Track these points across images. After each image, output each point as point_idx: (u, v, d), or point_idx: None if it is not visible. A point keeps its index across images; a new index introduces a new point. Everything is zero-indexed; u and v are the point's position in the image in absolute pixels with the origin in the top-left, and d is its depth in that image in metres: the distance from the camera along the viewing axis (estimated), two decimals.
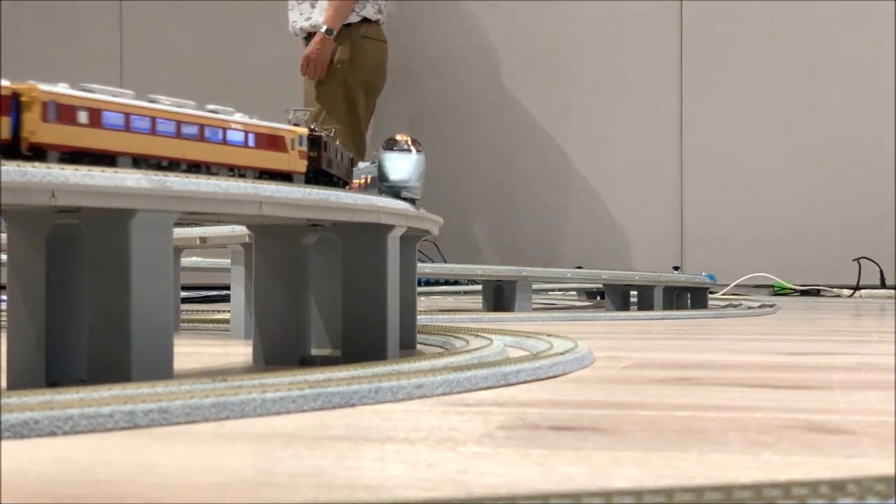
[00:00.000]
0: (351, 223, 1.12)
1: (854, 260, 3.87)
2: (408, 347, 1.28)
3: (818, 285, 3.95)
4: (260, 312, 1.15)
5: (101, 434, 0.67)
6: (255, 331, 1.16)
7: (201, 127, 1.02)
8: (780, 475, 0.55)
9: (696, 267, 3.80)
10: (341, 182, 1.21)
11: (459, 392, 0.88)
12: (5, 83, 0.83)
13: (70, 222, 0.92)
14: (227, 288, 1.67)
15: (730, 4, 4.34)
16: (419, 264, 1.58)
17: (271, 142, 1.09)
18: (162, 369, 0.90)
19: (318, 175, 1.13)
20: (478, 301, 2.73)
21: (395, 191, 1.22)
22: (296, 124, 1.12)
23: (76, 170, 0.82)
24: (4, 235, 0.97)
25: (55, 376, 0.94)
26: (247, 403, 0.74)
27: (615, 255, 4.11)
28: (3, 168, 0.78)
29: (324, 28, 3.63)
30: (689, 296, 2.62)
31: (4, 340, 0.96)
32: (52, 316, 0.94)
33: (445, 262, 3.56)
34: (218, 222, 1.45)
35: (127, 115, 0.93)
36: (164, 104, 0.99)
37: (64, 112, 0.87)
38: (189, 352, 1.31)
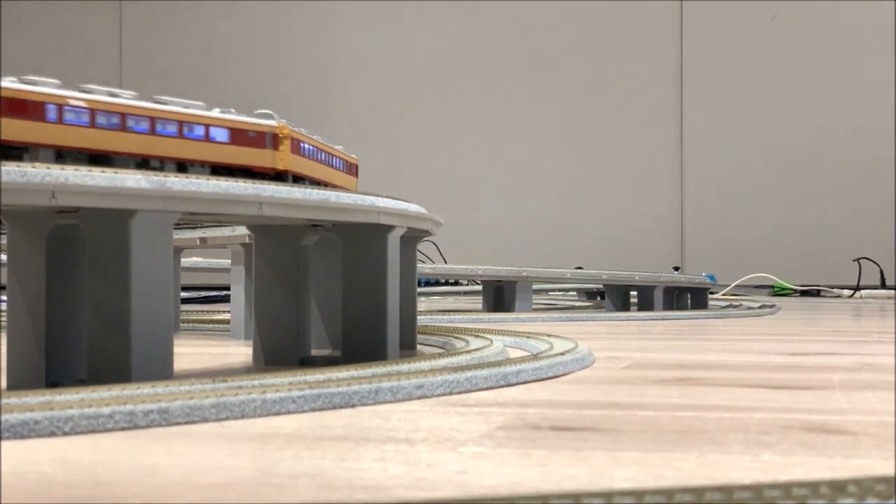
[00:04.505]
0: (351, 223, 1.12)
1: (854, 260, 3.87)
2: (408, 348, 1.28)
3: (818, 286, 3.95)
4: (260, 313, 1.15)
5: (101, 434, 0.67)
6: (255, 331, 1.16)
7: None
8: (780, 476, 0.55)
9: (697, 267, 3.81)
10: None
11: (459, 392, 0.88)
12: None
13: (70, 223, 0.92)
14: (228, 288, 1.67)
15: (730, 4, 4.34)
16: (419, 264, 1.58)
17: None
18: (162, 370, 0.90)
19: None
20: (478, 301, 2.73)
21: None
22: None
23: (76, 170, 0.82)
24: (4, 236, 0.97)
25: (55, 376, 0.94)
26: (247, 404, 0.74)
27: (615, 256, 4.11)
28: (3, 168, 0.78)
29: None
30: (689, 296, 2.62)
31: (4, 341, 0.96)
32: (52, 316, 0.94)
33: (445, 262, 3.56)
34: (218, 223, 1.45)
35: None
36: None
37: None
38: (189, 352, 1.31)
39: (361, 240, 1.14)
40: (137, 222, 0.88)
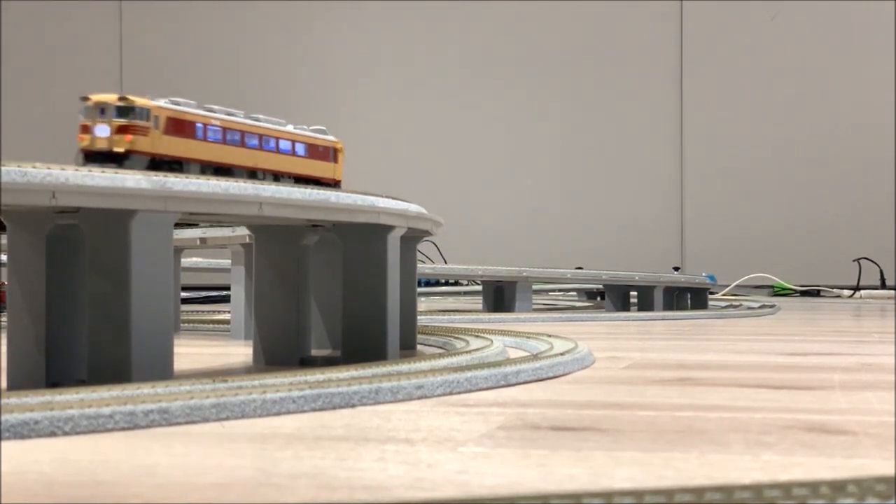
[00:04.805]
0: (351, 223, 1.12)
1: (854, 260, 3.87)
2: (408, 348, 1.28)
3: (818, 286, 3.95)
4: (260, 313, 1.15)
5: (102, 434, 0.67)
6: (255, 331, 1.16)
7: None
8: (780, 476, 0.55)
9: (697, 267, 3.80)
10: None
11: (460, 392, 0.88)
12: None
13: (70, 223, 0.92)
14: (228, 288, 1.67)
15: (730, 4, 4.34)
16: (419, 264, 1.58)
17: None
18: (162, 370, 0.90)
19: None
20: (478, 301, 2.73)
21: None
22: None
23: (76, 170, 0.82)
24: (4, 236, 0.98)
25: (55, 376, 0.94)
26: (247, 404, 0.74)
27: (615, 256, 4.11)
28: (3, 168, 0.78)
29: None
30: (689, 296, 2.62)
31: (4, 340, 0.96)
32: (52, 316, 0.94)
33: (445, 262, 3.56)
34: (218, 223, 1.45)
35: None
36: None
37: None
38: (189, 352, 1.31)
39: (361, 240, 1.14)
40: (137, 222, 0.88)
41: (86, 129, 0.93)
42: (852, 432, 0.68)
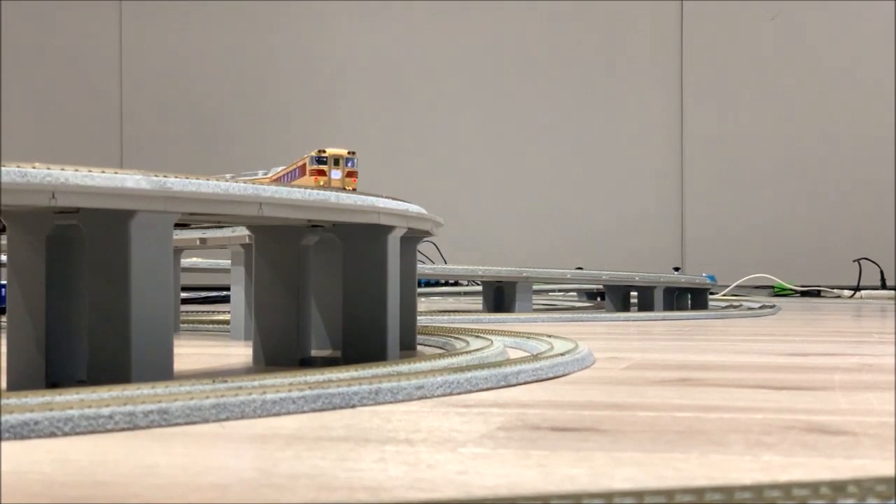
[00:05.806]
0: (351, 224, 1.12)
1: (854, 261, 3.87)
2: (408, 348, 1.28)
3: (819, 286, 3.95)
4: (260, 313, 1.15)
5: (101, 435, 0.67)
6: (255, 332, 1.16)
7: None
8: (780, 476, 0.55)
9: (697, 268, 3.81)
10: None
11: (460, 393, 0.88)
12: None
13: (70, 223, 0.92)
14: (228, 288, 1.67)
15: (730, 5, 4.34)
16: (419, 265, 1.57)
17: None
18: (162, 370, 0.90)
19: None
20: (478, 302, 2.73)
21: None
22: None
23: (76, 170, 0.82)
24: (4, 236, 0.98)
25: (55, 377, 0.94)
26: (247, 404, 0.74)
27: (615, 256, 4.11)
28: (3, 169, 0.78)
29: None
30: (689, 297, 2.62)
31: (4, 341, 0.96)
32: (52, 316, 0.94)
33: (445, 262, 3.56)
34: (218, 224, 1.45)
35: None
36: None
37: None
38: (189, 353, 1.31)
39: (361, 240, 1.14)
40: (137, 222, 0.87)
41: (321, 173, 1.20)
42: (852, 433, 0.68)
